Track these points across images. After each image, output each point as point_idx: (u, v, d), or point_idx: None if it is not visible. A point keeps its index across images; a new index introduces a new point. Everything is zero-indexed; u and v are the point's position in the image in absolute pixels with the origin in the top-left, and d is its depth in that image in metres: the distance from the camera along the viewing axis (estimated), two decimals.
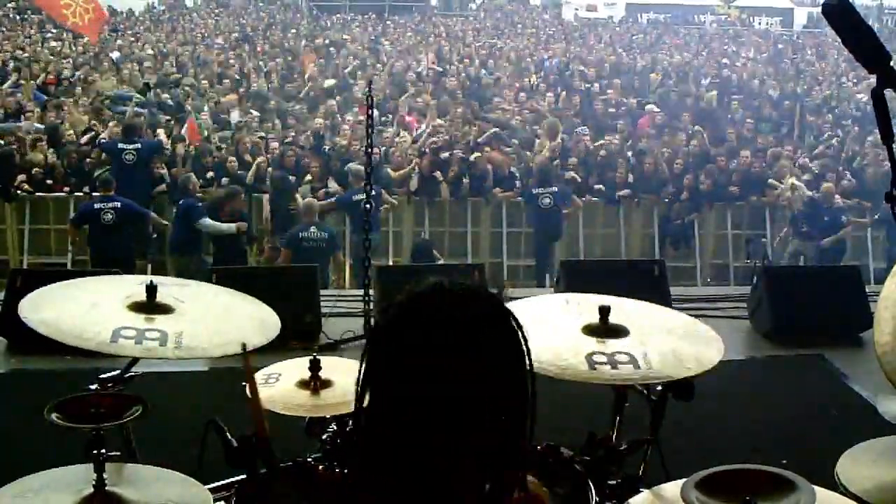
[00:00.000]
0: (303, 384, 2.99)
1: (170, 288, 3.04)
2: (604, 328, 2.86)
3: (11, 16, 23.18)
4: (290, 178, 11.31)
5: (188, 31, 22.89)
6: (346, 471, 2.75)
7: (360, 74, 17.06)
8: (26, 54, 17.71)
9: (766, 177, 12.09)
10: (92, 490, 2.35)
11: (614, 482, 2.73)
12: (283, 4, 29.18)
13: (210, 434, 2.69)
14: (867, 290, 7.18)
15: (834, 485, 2.30)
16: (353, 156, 11.51)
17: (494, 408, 1.54)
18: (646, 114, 14.83)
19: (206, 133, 13.14)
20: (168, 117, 13.84)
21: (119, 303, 2.89)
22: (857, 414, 5.63)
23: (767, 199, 11.91)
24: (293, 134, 13.02)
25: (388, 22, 26.06)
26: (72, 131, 12.53)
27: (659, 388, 2.87)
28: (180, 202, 10.35)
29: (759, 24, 29.03)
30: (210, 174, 11.50)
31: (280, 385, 3.01)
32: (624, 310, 2.99)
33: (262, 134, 12.80)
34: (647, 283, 7.08)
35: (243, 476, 2.70)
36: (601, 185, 11.98)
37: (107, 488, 2.37)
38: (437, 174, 11.65)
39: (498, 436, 1.54)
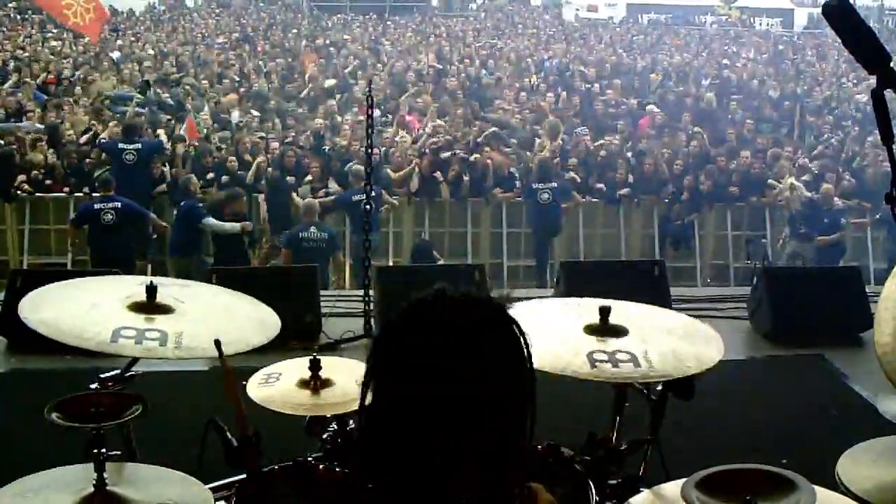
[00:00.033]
0: (303, 384, 2.99)
1: (170, 288, 3.04)
2: (604, 328, 2.87)
3: (12, 16, 23.17)
4: (287, 178, 11.32)
5: (188, 31, 22.89)
6: (346, 470, 2.75)
7: (360, 74, 17.06)
8: (27, 54, 17.70)
9: (766, 177, 12.10)
10: (92, 490, 2.35)
11: (614, 482, 2.73)
12: (283, 4, 29.16)
13: (210, 434, 2.69)
14: (867, 290, 7.18)
15: (834, 484, 2.30)
16: (353, 156, 11.51)
17: (494, 408, 1.54)
18: (646, 114, 14.83)
19: (205, 131, 13.15)
20: (168, 116, 13.84)
21: (119, 303, 2.89)
22: (857, 414, 5.62)
23: (767, 199, 11.92)
24: (293, 134, 13.02)
25: (389, 22, 26.05)
26: (72, 131, 12.53)
27: (659, 387, 2.87)
28: (181, 204, 10.35)
29: (760, 24, 29.01)
30: (210, 175, 11.50)
31: (280, 385, 3.02)
32: (624, 311, 2.99)
33: (262, 134, 12.80)
34: (647, 284, 7.09)
35: (243, 476, 2.70)
36: (602, 185, 11.99)
37: (107, 488, 2.37)
38: (438, 174, 11.65)
39: (498, 436, 1.54)
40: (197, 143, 12.33)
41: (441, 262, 10.36)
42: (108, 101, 14.55)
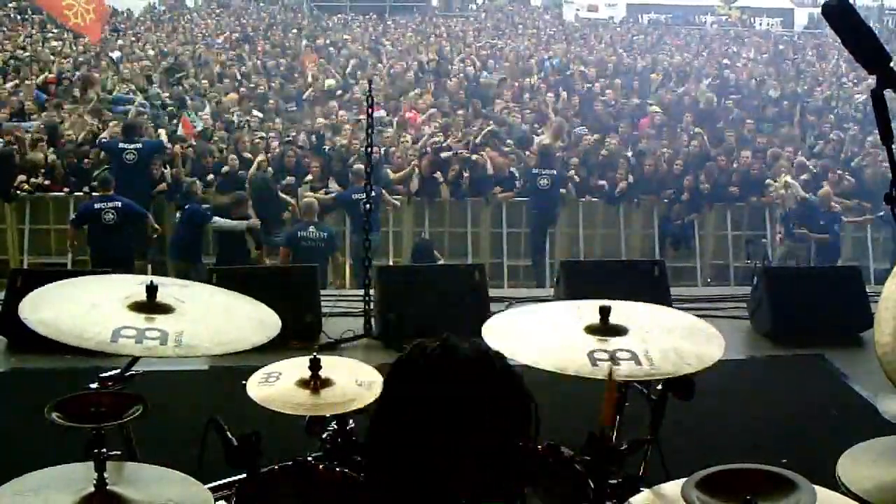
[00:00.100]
0: (303, 383, 2.99)
1: (170, 288, 3.04)
2: (605, 328, 2.87)
3: (12, 15, 23.17)
4: (288, 177, 11.34)
5: (189, 31, 22.89)
6: (346, 470, 2.76)
7: (360, 74, 17.07)
8: (27, 54, 17.70)
9: (766, 177, 12.10)
10: (92, 489, 2.35)
11: (614, 482, 2.73)
12: (283, 4, 29.16)
13: (210, 433, 2.69)
14: (867, 290, 7.18)
15: (834, 484, 2.30)
16: (354, 154, 11.53)
17: (494, 408, 1.54)
18: (646, 114, 14.84)
19: (200, 126, 13.15)
20: (170, 106, 13.86)
21: (119, 303, 2.89)
22: (857, 414, 5.63)
23: (767, 199, 11.92)
24: (293, 134, 13.02)
25: (389, 22, 26.06)
26: (71, 131, 12.53)
27: (659, 387, 2.87)
28: (185, 207, 10.33)
29: (760, 24, 29.00)
30: (210, 176, 11.51)
31: (280, 384, 3.02)
32: (624, 310, 2.99)
33: (263, 134, 12.81)
34: (648, 284, 7.10)
35: (243, 476, 2.70)
36: (604, 182, 12.00)
37: (107, 488, 2.37)
38: (438, 175, 11.66)
39: (498, 436, 1.54)
40: (195, 143, 12.33)
41: (441, 261, 10.37)
42: (108, 102, 14.54)
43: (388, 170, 11.62)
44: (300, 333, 5.92)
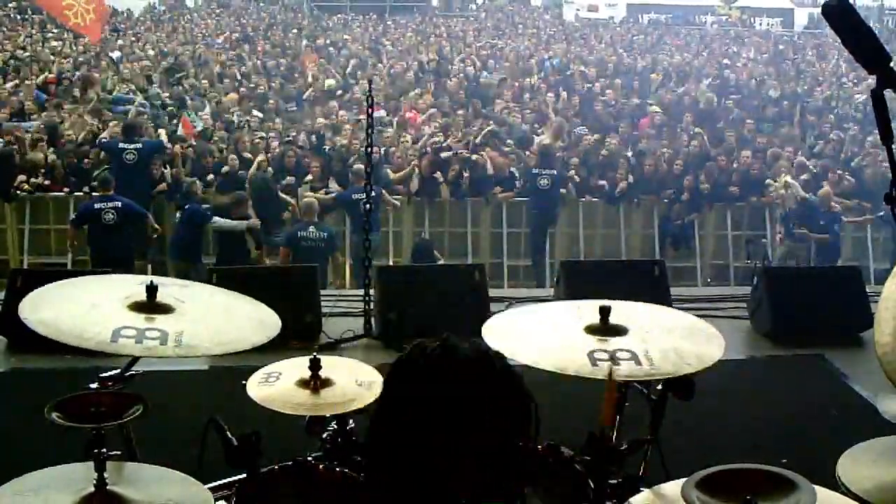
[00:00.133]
0: (303, 383, 2.99)
1: (170, 288, 3.04)
2: (605, 328, 2.87)
3: (12, 15, 23.18)
4: (288, 177, 11.33)
5: (189, 31, 22.89)
6: (346, 470, 2.76)
7: (360, 74, 17.07)
8: (27, 54, 17.71)
9: (765, 177, 12.10)
10: (92, 489, 2.35)
11: (614, 482, 2.73)
12: (283, 4, 29.16)
13: (210, 433, 2.69)
14: (867, 290, 7.18)
15: (834, 484, 2.30)
16: (354, 154, 11.53)
17: (494, 408, 1.54)
18: (646, 114, 14.84)
19: (200, 126, 13.15)
20: (170, 106, 13.85)
21: (119, 303, 2.89)
22: (857, 414, 5.63)
23: (767, 199, 11.92)
24: (293, 134, 13.02)
25: (389, 22, 26.06)
26: (71, 131, 12.53)
27: (659, 387, 2.87)
28: (186, 207, 10.33)
29: (760, 24, 29.00)
30: (210, 176, 11.50)
31: (280, 384, 3.01)
32: (624, 310, 2.99)
33: (263, 134, 12.81)
34: (648, 284, 7.10)
35: (243, 476, 2.70)
36: (604, 182, 12.00)
37: (107, 488, 2.37)
38: (438, 175, 11.66)
39: (498, 436, 1.54)
40: (195, 143, 12.33)
41: (441, 261, 10.37)
42: (107, 102, 14.54)
43: (388, 170, 11.62)
44: (300, 333, 5.92)
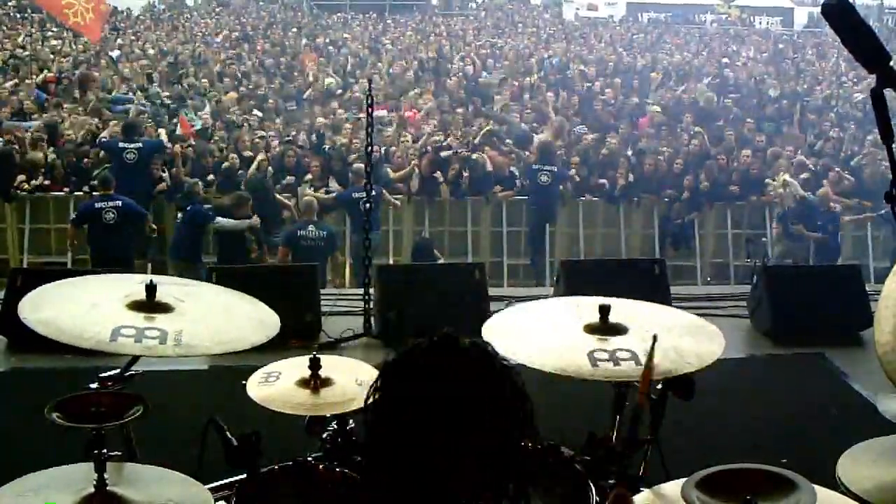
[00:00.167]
0: (303, 383, 2.99)
1: (169, 287, 3.04)
2: (604, 327, 2.87)
3: (12, 14, 23.17)
4: (289, 177, 11.33)
5: (188, 30, 22.90)
6: (346, 470, 2.76)
7: (360, 73, 17.07)
8: (27, 53, 17.71)
9: (765, 176, 12.09)
10: (92, 490, 2.35)
11: (614, 482, 2.73)
12: (283, 3, 29.15)
13: (210, 433, 2.69)
14: (867, 288, 7.18)
15: (834, 484, 2.30)
16: (354, 153, 11.52)
17: (494, 408, 1.54)
18: (646, 114, 14.84)
19: (198, 125, 13.15)
20: (170, 105, 13.84)
21: (119, 302, 2.89)
22: (857, 413, 5.62)
23: (767, 198, 11.91)
24: (293, 133, 13.02)
25: (389, 21, 26.06)
26: (71, 131, 12.53)
27: (659, 386, 2.87)
28: (187, 208, 10.32)
29: (760, 23, 29.00)
30: (210, 176, 11.50)
31: (280, 384, 3.02)
32: (624, 309, 2.99)
33: (262, 133, 12.81)
34: (648, 283, 7.09)
35: (243, 476, 2.70)
36: (604, 181, 12.00)
37: (107, 488, 2.37)
38: (437, 174, 11.65)
39: (498, 436, 1.54)
40: (195, 143, 12.32)
41: (441, 260, 10.36)
42: (107, 102, 14.53)
43: (388, 169, 11.61)
44: (300, 333, 5.91)
